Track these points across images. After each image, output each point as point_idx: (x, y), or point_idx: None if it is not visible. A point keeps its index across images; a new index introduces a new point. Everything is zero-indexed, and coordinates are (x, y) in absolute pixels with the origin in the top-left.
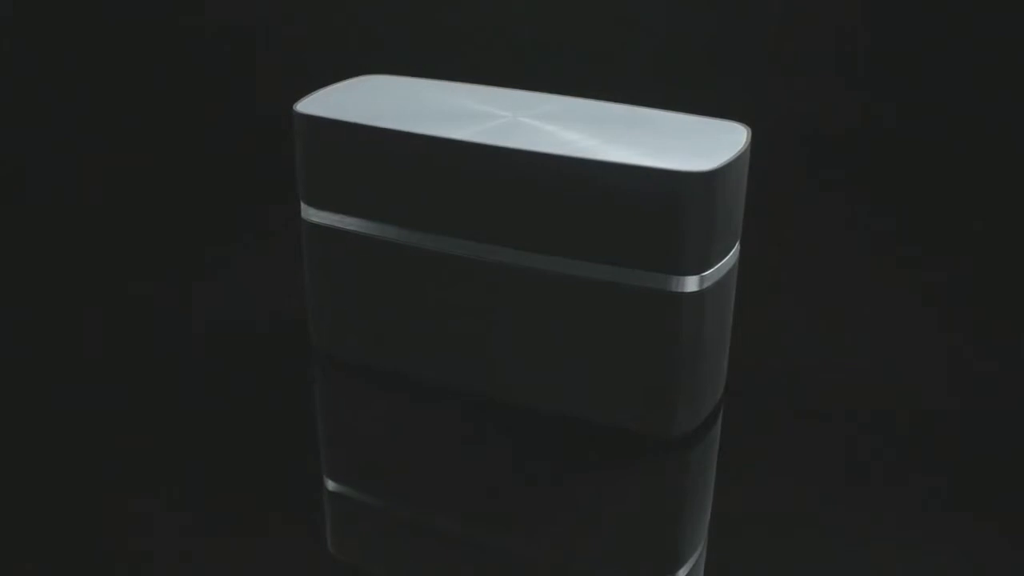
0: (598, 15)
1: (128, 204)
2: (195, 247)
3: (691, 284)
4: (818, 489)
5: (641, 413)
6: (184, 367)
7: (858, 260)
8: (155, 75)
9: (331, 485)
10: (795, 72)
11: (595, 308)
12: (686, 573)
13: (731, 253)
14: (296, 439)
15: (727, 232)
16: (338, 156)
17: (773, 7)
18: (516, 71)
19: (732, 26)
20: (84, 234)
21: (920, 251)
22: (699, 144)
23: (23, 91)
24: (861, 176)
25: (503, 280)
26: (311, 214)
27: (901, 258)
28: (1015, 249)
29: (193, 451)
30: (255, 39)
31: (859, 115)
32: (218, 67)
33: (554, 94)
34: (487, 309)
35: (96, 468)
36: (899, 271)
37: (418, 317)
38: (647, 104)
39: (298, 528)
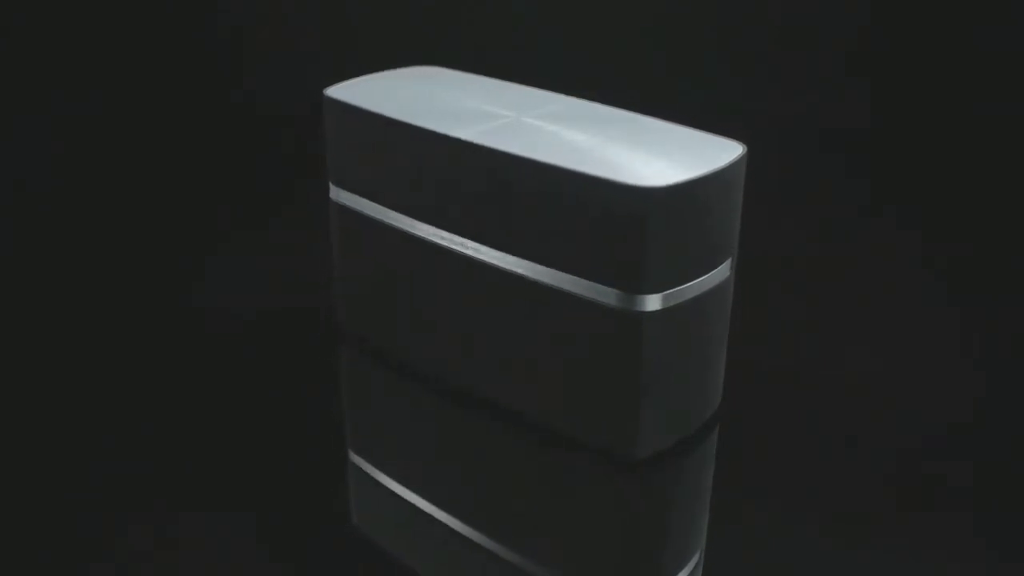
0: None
1: (162, 179)
2: (233, 221)
3: (652, 303)
4: (804, 524)
5: (606, 430)
6: (213, 341)
7: (863, 270)
8: (217, 46)
9: (354, 459)
10: (805, 74)
11: (562, 318)
12: None
13: (713, 272)
14: (320, 414)
15: (702, 251)
16: (357, 141)
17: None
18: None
19: (747, 28)
20: (114, 216)
21: (925, 255)
22: (680, 159)
23: (53, 82)
24: (868, 178)
25: (483, 279)
26: (336, 194)
27: (906, 266)
28: (1018, 252)
29: (217, 425)
30: (337, 21)
31: (868, 118)
32: (294, 49)
33: (587, 99)
34: (471, 306)
35: (118, 445)
36: (904, 282)
37: (416, 305)
38: (666, 104)
39: (323, 499)
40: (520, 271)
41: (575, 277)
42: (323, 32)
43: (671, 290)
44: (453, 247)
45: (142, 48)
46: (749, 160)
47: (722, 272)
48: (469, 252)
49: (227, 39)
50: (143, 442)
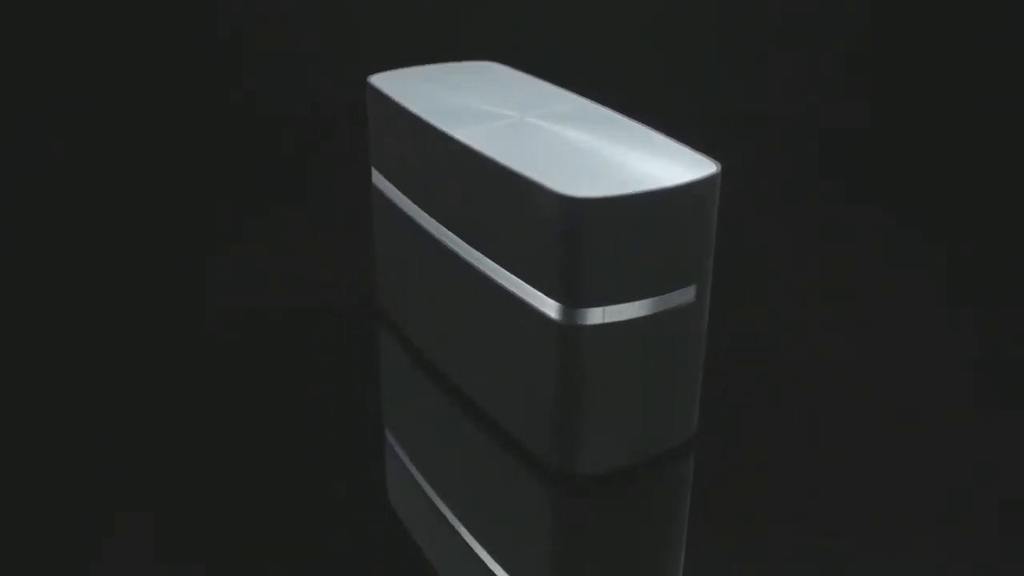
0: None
1: (163, 179)
2: (233, 221)
3: (589, 317)
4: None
5: (548, 444)
6: (214, 341)
7: (863, 270)
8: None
9: (391, 439)
10: (805, 74)
11: (515, 324)
12: None
13: (671, 295)
14: (321, 413)
15: (654, 271)
16: (384, 128)
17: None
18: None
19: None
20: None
21: (926, 264)
22: (640, 172)
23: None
24: (868, 178)
25: (462, 274)
26: (375, 178)
27: (906, 267)
28: (1018, 252)
29: (218, 423)
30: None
31: (868, 118)
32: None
33: (588, 99)
34: (453, 300)
35: (118, 445)
36: (904, 282)
37: (418, 292)
38: (666, 104)
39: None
40: (484, 270)
41: (523, 283)
42: (323, 32)
43: (611, 307)
44: (440, 238)
45: (142, 48)
46: (748, 161)
47: (683, 296)
48: (449, 244)
49: (227, 39)
50: (143, 442)
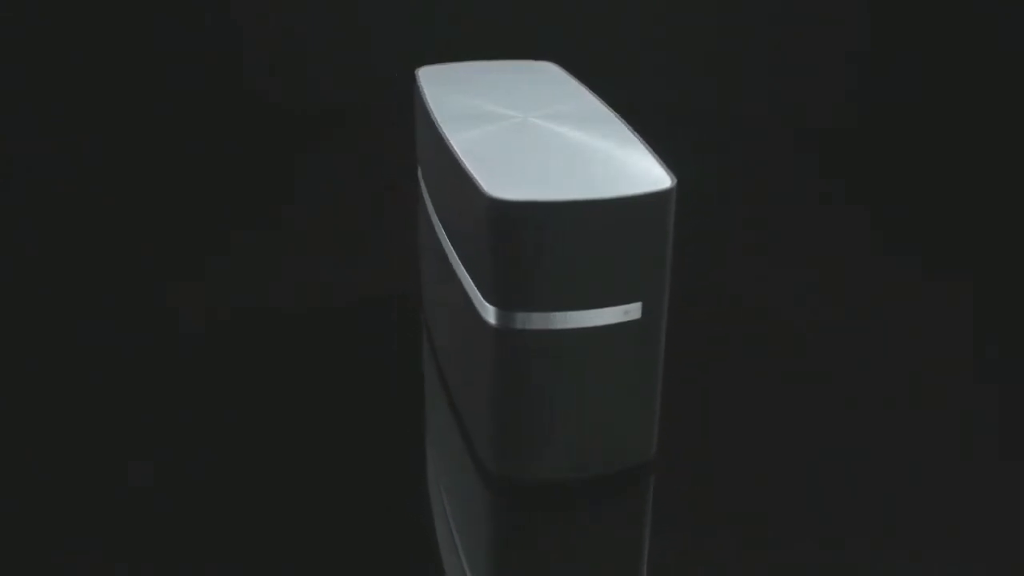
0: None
1: (163, 179)
2: (234, 221)
3: (519, 322)
4: None
5: (486, 448)
6: (214, 341)
7: (860, 271)
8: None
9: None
10: (803, 73)
11: (469, 325)
12: None
13: (611, 310)
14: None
15: (591, 281)
16: (419, 122)
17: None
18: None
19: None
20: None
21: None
22: (595, 181)
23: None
24: (866, 178)
25: (450, 269)
26: (419, 170)
27: (904, 268)
28: (1018, 253)
29: (217, 423)
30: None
31: (864, 118)
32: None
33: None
34: (443, 297)
35: (117, 445)
36: (902, 282)
37: (430, 287)
38: (665, 104)
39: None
40: (455, 269)
41: (472, 283)
42: (324, 33)
43: (541, 314)
44: (438, 234)
45: (142, 48)
46: (746, 161)
47: (626, 312)
48: (441, 241)
49: (230, 38)
50: (140, 440)
